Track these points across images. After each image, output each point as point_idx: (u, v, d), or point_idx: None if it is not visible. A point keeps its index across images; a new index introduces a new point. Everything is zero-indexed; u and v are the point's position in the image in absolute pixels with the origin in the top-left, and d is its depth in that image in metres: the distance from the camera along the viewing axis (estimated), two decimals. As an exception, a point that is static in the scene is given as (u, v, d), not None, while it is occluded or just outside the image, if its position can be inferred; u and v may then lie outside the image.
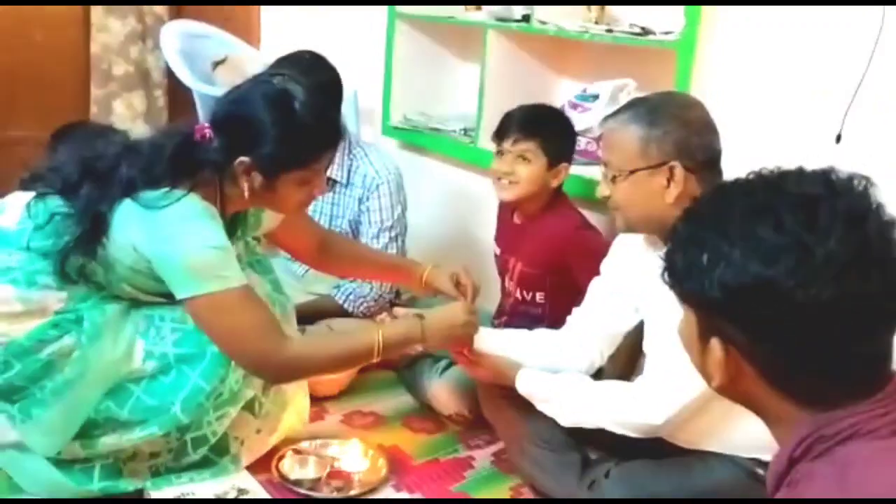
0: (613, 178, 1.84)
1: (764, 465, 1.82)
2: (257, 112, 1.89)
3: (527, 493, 2.22)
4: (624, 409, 1.82)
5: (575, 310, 2.18)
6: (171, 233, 1.84)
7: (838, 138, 2.13)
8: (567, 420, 1.92)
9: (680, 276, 1.07)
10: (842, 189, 0.99)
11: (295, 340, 1.93)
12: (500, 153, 2.49)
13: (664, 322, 1.85)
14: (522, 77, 3.03)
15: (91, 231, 1.87)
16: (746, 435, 1.80)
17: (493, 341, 2.11)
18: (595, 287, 2.15)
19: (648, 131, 1.78)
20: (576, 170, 2.61)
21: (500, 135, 2.49)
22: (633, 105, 1.86)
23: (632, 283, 2.03)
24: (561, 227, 2.47)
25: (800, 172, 1.03)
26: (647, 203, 1.80)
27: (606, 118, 1.92)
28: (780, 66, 2.26)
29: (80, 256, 1.89)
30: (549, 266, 2.48)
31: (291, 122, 1.88)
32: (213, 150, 1.90)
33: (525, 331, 2.22)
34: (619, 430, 1.84)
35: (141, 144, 2.01)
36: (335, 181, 2.79)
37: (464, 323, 2.02)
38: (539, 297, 2.53)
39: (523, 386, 1.97)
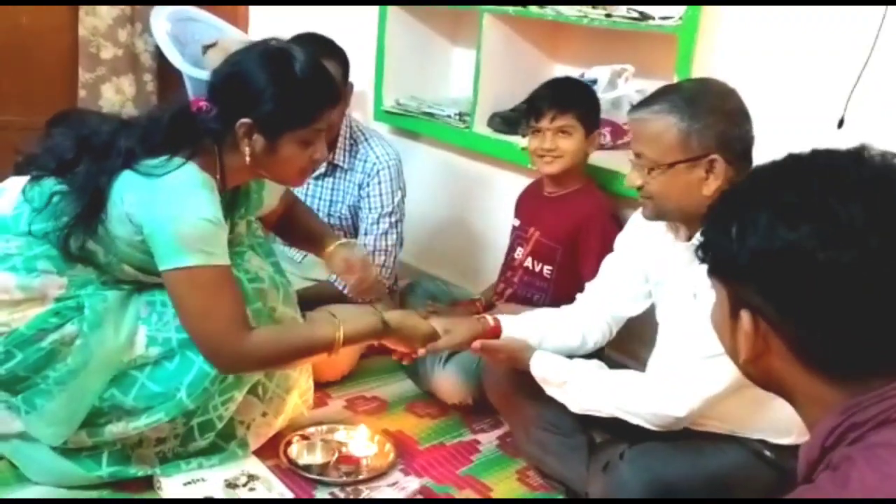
0: (649, 170, 1.80)
1: (770, 446, 1.85)
2: (255, 71, 1.89)
3: (533, 477, 2.25)
4: (644, 401, 1.81)
5: (588, 285, 2.18)
6: (166, 200, 1.83)
7: (840, 123, 2.15)
8: (580, 407, 1.92)
9: (711, 247, 1.08)
10: (869, 159, 1.00)
11: (255, 333, 1.90)
12: (536, 132, 2.50)
13: (681, 312, 1.86)
14: (518, 61, 3.03)
15: (91, 206, 1.86)
16: (752, 417, 1.83)
17: (503, 320, 2.10)
18: (608, 265, 2.15)
19: (689, 123, 1.74)
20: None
21: (535, 114, 2.50)
22: (667, 94, 1.81)
23: (647, 268, 2.03)
24: (592, 209, 2.51)
25: (830, 149, 1.04)
26: (684, 195, 1.78)
27: (638, 108, 1.86)
28: (782, 51, 2.27)
29: (81, 234, 1.88)
30: (565, 241, 2.51)
31: (291, 79, 1.88)
32: (212, 119, 1.91)
33: (531, 311, 2.22)
34: (634, 421, 1.83)
35: (137, 119, 2.02)
36: (336, 165, 2.78)
37: (423, 336, 2.04)
38: (547, 270, 2.56)
39: (538, 369, 1.97)
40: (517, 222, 2.69)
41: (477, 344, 2.00)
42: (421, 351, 2.04)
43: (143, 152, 1.86)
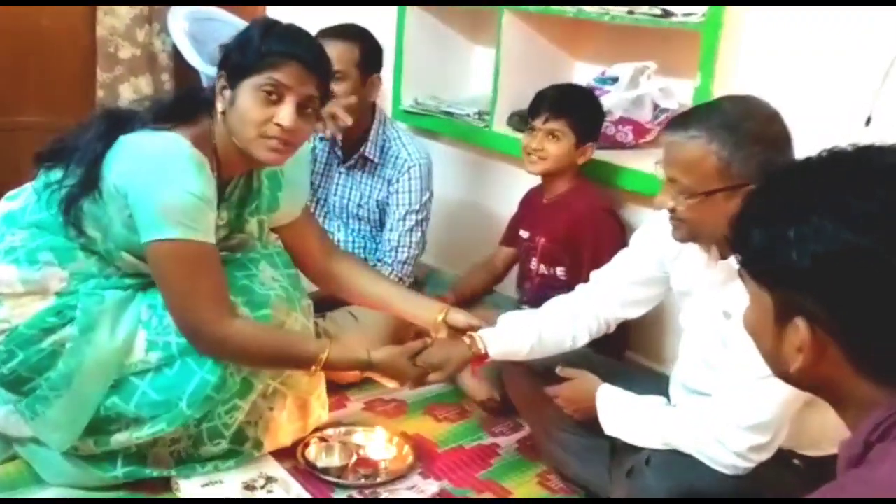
0: (683, 195, 1.71)
1: (799, 456, 1.80)
2: (240, 33, 1.95)
3: (554, 480, 2.22)
4: (712, 455, 1.72)
5: (593, 274, 2.11)
6: (151, 169, 1.83)
7: (868, 121, 2.11)
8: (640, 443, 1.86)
9: (759, 252, 1.03)
10: None
11: (239, 321, 1.89)
12: (531, 129, 2.56)
13: (709, 329, 1.81)
14: (538, 60, 3.00)
15: (90, 172, 1.86)
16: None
17: (489, 342, 2.05)
18: (620, 264, 2.07)
19: (731, 153, 1.64)
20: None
21: (532, 112, 2.57)
22: (706, 117, 1.69)
23: (669, 273, 1.97)
24: (590, 206, 2.55)
25: (880, 146, 1.00)
26: (720, 221, 1.58)
27: (673, 128, 1.74)
28: (807, 47, 2.23)
29: (81, 200, 1.87)
30: (569, 241, 2.54)
31: (259, 29, 1.91)
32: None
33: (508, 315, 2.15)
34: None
35: (153, 98, 2.10)
36: (367, 159, 2.81)
37: (410, 379, 2.02)
38: (560, 272, 2.58)
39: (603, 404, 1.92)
40: (526, 234, 2.71)
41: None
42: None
43: (144, 123, 1.88)
